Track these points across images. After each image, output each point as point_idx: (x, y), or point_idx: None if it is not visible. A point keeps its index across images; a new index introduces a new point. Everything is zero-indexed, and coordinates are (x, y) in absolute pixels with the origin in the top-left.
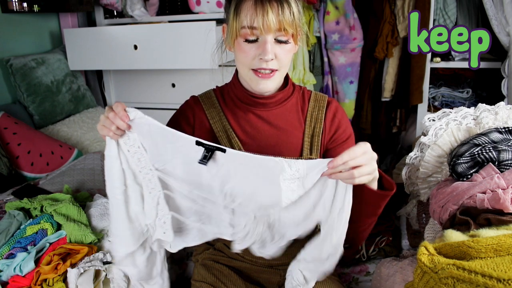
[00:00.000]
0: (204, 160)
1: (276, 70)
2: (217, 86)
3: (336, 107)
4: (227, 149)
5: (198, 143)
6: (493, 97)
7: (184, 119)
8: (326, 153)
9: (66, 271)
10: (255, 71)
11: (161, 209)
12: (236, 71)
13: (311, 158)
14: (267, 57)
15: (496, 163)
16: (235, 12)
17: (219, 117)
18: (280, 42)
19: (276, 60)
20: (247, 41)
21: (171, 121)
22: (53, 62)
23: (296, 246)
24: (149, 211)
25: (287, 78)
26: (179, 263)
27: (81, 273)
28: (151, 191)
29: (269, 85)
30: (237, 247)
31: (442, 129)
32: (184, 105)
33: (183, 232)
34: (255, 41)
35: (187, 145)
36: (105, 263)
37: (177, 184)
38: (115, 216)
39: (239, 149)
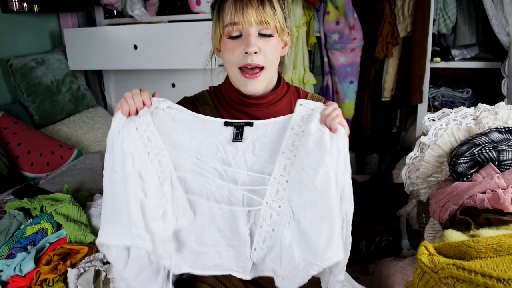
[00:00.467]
0: (238, 138)
1: (262, 68)
2: (210, 87)
3: None
4: (254, 121)
5: (227, 123)
6: (493, 97)
7: None
8: None
9: (66, 271)
10: (242, 71)
11: (175, 191)
12: None
13: None
14: (250, 49)
15: (496, 163)
16: (218, 14)
17: (213, 114)
18: (263, 35)
19: (262, 55)
20: (231, 38)
21: None
22: (53, 62)
23: None
24: (154, 200)
25: (280, 79)
26: None
27: (81, 273)
28: (160, 175)
29: (256, 86)
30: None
31: (442, 129)
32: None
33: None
34: (239, 36)
35: (215, 128)
36: (105, 263)
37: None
38: (110, 200)
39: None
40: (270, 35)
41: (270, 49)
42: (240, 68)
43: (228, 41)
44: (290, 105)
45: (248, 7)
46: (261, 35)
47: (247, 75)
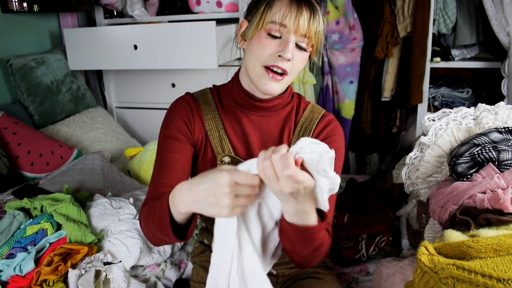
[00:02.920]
0: None
1: (287, 75)
2: (214, 85)
3: (329, 120)
4: None
5: None
6: (493, 97)
7: (181, 116)
8: None
9: (66, 272)
10: (267, 69)
11: None
12: (238, 71)
13: None
14: (287, 55)
15: (496, 163)
16: (267, 5)
17: (212, 115)
18: (300, 48)
19: (291, 63)
20: (270, 35)
21: (167, 118)
22: (53, 62)
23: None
24: None
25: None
26: (178, 264)
27: (82, 274)
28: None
29: (275, 88)
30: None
31: (442, 129)
32: (180, 101)
33: None
34: (278, 38)
35: None
36: (105, 263)
37: None
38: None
39: (229, 151)
40: (304, 49)
41: (299, 61)
42: (265, 66)
43: (265, 37)
44: (291, 113)
45: (301, 15)
46: (297, 46)
47: (271, 74)
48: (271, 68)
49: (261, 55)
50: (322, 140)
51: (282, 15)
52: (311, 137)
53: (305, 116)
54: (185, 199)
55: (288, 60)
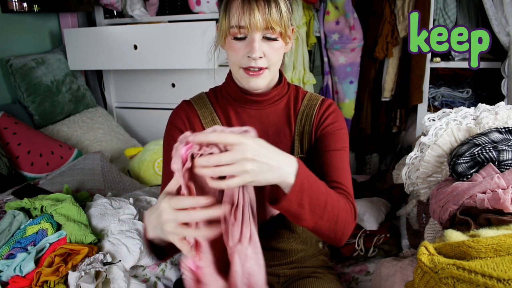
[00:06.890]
0: None
1: (266, 68)
2: (210, 89)
3: (329, 104)
4: None
5: None
6: (493, 97)
7: (179, 127)
8: (316, 143)
9: (67, 273)
10: (245, 69)
11: None
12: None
13: (302, 157)
14: (254, 55)
15: (496, 163)
16: (224, 12)
17: (211, 117)
18: (268, 39)
19: (265, 58)
20: (235, 39)
21: (167, 132)
22: (53, 62)
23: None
24: None
25: (281, 76)
26: (178, 264)
27: (82, 276)
28: None
29: (259, 83)
30: None
31: (442, 129)
32: (176, 112)
33: None
34: (244, 39)
35: None
36: (105, 264)
37: None
38: None
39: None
40: (274, 39)
41: (274, 52)
42: (242, 68)
43: (233, 42)
44: (289, 103)
45: (255, 12)
46: (266, 38)
47: (250, 73)
48: (248, 68)
49: (235, 59)
50: (324, 120)
51: (237, 17)
52: (313, 122)
53: (304, 104)
54: (148, 225)
55: (260, 57)
